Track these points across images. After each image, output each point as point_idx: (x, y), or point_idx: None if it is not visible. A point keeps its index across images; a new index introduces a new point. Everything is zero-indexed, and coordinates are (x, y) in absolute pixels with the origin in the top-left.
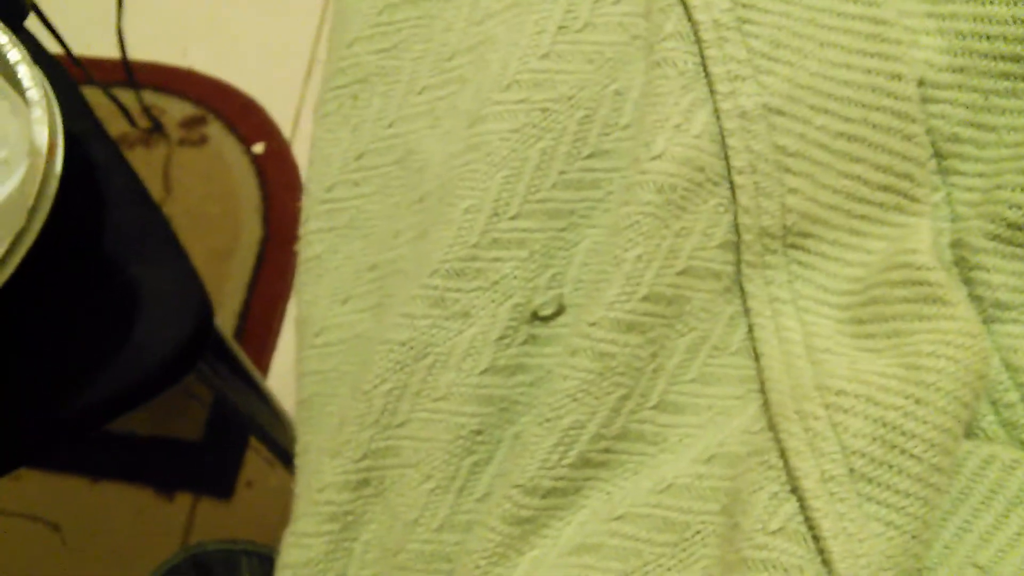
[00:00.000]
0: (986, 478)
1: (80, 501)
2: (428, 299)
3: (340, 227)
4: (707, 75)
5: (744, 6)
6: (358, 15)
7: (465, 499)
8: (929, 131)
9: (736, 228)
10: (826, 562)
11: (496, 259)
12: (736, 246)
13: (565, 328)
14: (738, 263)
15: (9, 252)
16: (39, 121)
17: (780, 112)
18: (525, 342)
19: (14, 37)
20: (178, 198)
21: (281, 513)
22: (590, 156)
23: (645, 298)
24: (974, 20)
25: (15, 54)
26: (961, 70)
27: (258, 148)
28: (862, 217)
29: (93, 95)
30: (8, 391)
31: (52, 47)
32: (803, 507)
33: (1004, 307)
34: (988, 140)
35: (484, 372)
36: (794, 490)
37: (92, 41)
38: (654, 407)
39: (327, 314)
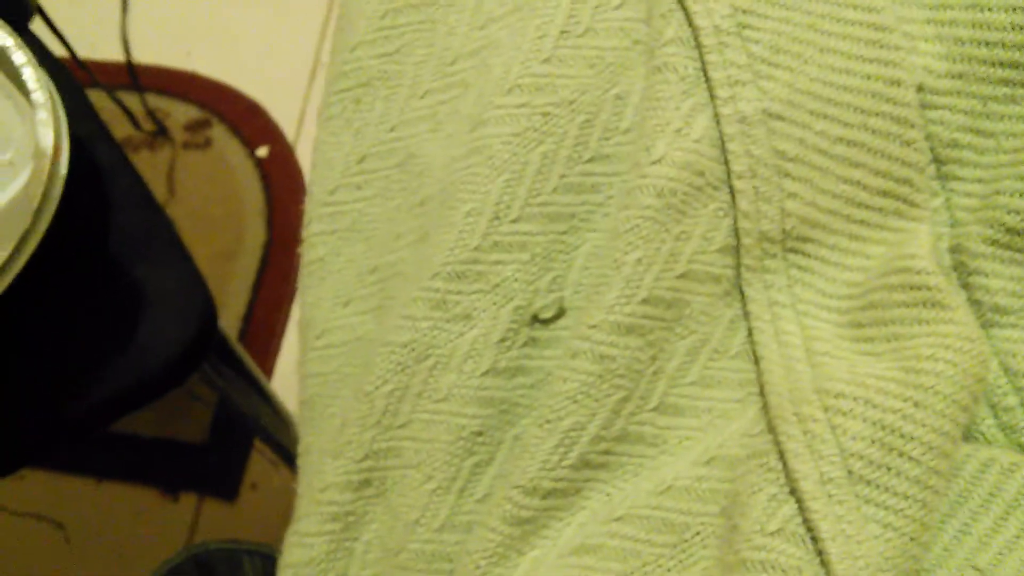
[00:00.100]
0: (985, 481)
1: (85, 501)
2: (429, 301)
3: (342, 230)
4: (707, 80)
5: (744, 12)
6: (361, 19)
7: (466, 500)
8: (928, 137)
9: (736, 232)
10: (824, 563)
11: (497, 262)
12: (736, 250)
13: (565, 331)
14: (738, 267)
15: (14, 253)
16: (44, 123)
17: (780, 117)
18: (526, 344)
19: (19, 40)
20: (182, 201)
21: (285, 514)
22: (591, 160)
23: (645, 301)
24: (973, 27)
25: (20, 57)
26: (960, 76)
27: (262, 151)
28: (861, 222)
29: (98, 98)
30: (14, 391)
31: (57, 50)
32: (802, 509)
33: (1003, 311)
34: (987, 146)
35: (485, 374)
36: (793, 492)
37: (97, 44)
38: (654, 409)
39: (329, 316)
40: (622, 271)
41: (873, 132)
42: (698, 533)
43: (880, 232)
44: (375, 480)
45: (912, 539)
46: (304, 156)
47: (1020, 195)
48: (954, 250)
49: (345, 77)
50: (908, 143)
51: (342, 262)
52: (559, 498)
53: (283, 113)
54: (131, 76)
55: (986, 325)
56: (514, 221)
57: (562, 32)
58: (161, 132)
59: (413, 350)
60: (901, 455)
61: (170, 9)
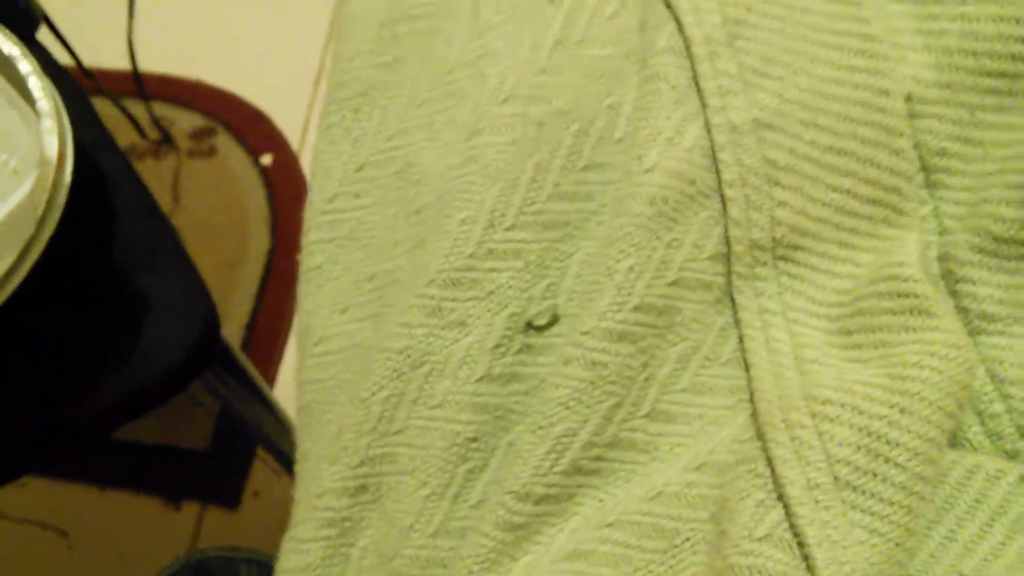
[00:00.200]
0: (971, 488)
1: (87, 509)
2: (425, 308)
3: (340, 238)
4: (699, 90)
5: (735, 22)
6: (360, 29)
7: (460, 506)
8: (917, 145)
9: (727, 240)
10: (811, 568)
11: (492, 269)
12: (727, 258)
13: (559, 337)
14: (729, 275)
15: (18, 261)
16: (49, 132)
17: (770, 126)
18: (520, 351)
19: (25, 49)
20: (187, 209)
21: (287, 522)
22: (584, 169)
23: (637, 308)
24: (961, 37)
25: (26, 66)
26: (948, 86)
27: (266, 159)
28: (851, 230)
29: (103, 106)
30: (18, 396)
31: (63, 58)
32: (789, 514)
33: (990, 319)
34: (975, 155)
35: (480, 380)
36: (780, 498)
37: (102, 52)
38: (645, 416)
39: (327, 323)
40: (614, 278)
41: (862, 141)
42: (688, 539)
43: (869, 240)
44: (371, 486)
45: (898, 545)
46: (308, 164)
47: (1007, 203)
48: (942, 258)
49: (344, 86)
50: (897, 152)
51: (340, 269)
52: (551, 504)
53: (287, 121)
54: (137, 84)
55: (973, 332)
56: (509, 229)
57: (557, 42)
58: (166, 140)
59: (409, 356)
60: (887, 461)
61: (175, 17)
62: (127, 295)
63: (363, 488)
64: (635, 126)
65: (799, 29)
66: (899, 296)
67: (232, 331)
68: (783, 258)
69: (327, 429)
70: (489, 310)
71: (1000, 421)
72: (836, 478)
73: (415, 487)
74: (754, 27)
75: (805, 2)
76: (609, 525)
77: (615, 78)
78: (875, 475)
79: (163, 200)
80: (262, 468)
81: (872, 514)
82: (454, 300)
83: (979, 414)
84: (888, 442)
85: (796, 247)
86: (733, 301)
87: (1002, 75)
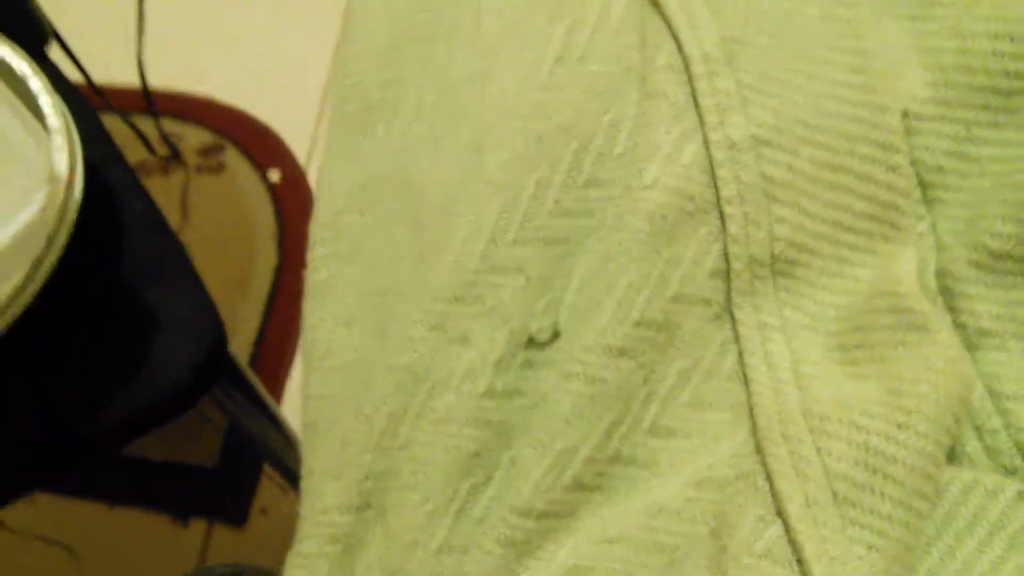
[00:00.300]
0: (969, 503)
1: (95, 525)
2: (428, 323)
3: (345, 253)
4: (697, 107)
5: (733, 41)
6: (365, 48)
7: (463, 521)
8: (914, 162)
9: (726, 256)
10: None
11: (494, 285)
12: (726, 273)
13: (560, 353)
14: (728, 290)
15: (29, 277)
16: (59, 149)
17: (768, 143)
18: (522, 366)
19: (36, 66)
20: (195, 224)
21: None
22: (585, 185)
23: (637, 324)
24: (956, 54)
25: (36, 83)
26: (944, 103)
27: (274, 175)
28: (849, 246)
29: (113, 123)
30: (25, 412)
31: (73, 74)
32: (788, 530)
33: (987, 334)
34: (971, 171)
35: (482, 395)
36: (779, 513)
37: (112, 69)
38: (647, 431)
39: (332, 337)
40: (614, 294)
41: (859, 158)
42: (688, 554)
43: (867, 255)
44: (375, 501)
45: (896, 560)
46: (315, 180)
47: (1003, 219)
48: (940, 273)
49: (348, 103)
50: (894, 168)
51: (345, 284)
52: (553, 519)
53: (295, 138)
54: (146, 101)
55: (971, 348)
56: (510, 245)
57: (557, 59)
58: (174, 156)
59: (412, 372)
60: (885, 476)
61: (184, 34)
62: (136, 311)
63: (367, 503)
64: (634, 142)
65: (796, 47)
66: (897, 311)
67: (240, 346)
68: (782, 273)
69: (331, 444)
70: (491, 326)
71: (998, 437)
72: (835, 493)
73: (419, 502)
74: (752, 46)
75: (802, 21)
76: (610, 540)
77: (615, 95)
78: (873, 490)
79: (171, 216)
80: (269, 485)
81: (870, 530)
82: (457, 315)
83: (977, 429)
84: (886, 457)
85: (794, 263)
86: (732, 316)
87: (997, 92)
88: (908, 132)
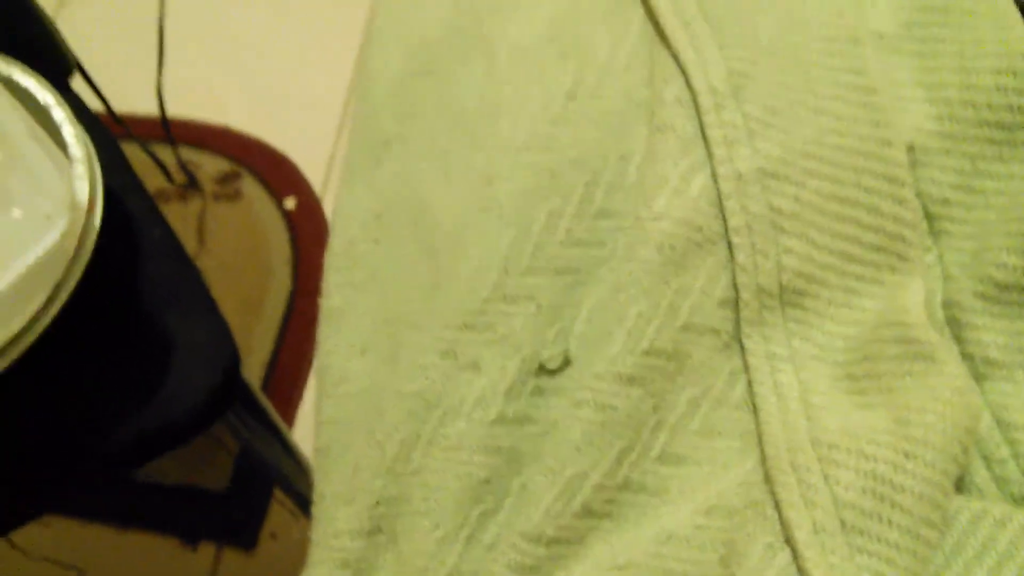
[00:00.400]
0: (978, 533)
1: (105, 548)
2: (440, 351)
3: (359, 281)
4: (705, 140)
5: (740, 75)
6: (381, 82)
7: (473, 547)
8: (920, 194)
9: (734, 286)
10: None
11: (506, 314)
12: (735, 303)
13: (571, 381)
14: (737, 320)
15: (48, 302)
16: (80, 177)
17: (775, 175)
18: (532, 394)
19: (60, 97)
20: (211, 251)
21: (304, 565)
22: (596, 215)
23: (647, 352)
24: (961, 89)
25: (59, 113)
26: (949, 136)
27: (290, 203)
28: (856, 276)
29: (132, 151)
30: (40, 434)
31: (94, 103)
32: (796, 557)
33: (994, 365)
34: (976, 203)
35: (493, 422)
36: (788, 541)
37: (133, 98)
38: (656, 458)
39: (346, 364)
40: (624, 323)
41: (866, 190)
42: None
43: (875, 286)
44: (386, 527)
45: None
46: (331, 208)
47: (1009, 251)
48: (947, 304)
49: (364, 137)
50: (900, 201)
51: (359, 312)
52: (563, 546)
53: (311, 166)
54: (165, 129)
55: (979, 378)
56: (522, 274)
57: (568, 94)
58: (192, 184)
59: (424, 398)
60: (892, 505)
61: (202, 65)
62: (152, 336)
63: (378, 529)
64: (644, 174)
65: (802, 81)
66: (904, 342)
67: (253, 370)
68: (790, 304)
69: (343, 470)
70: (503, 353)
71: (1006, 467)
72: (843, 522)
73: (429, 529)
74: (758, 80)
75: (808, 56)
76: (619, 567)
77: (625, 129)
78: (881, 518)
79: (189, 242)
80: (280, 510)
81: (879, 557)
82: (468, 343)
83: (985, 459)
84: (894, 486)
85: (803, 293)
86: (742, 346)
87: (1001, 126)
88: (914, 165)
